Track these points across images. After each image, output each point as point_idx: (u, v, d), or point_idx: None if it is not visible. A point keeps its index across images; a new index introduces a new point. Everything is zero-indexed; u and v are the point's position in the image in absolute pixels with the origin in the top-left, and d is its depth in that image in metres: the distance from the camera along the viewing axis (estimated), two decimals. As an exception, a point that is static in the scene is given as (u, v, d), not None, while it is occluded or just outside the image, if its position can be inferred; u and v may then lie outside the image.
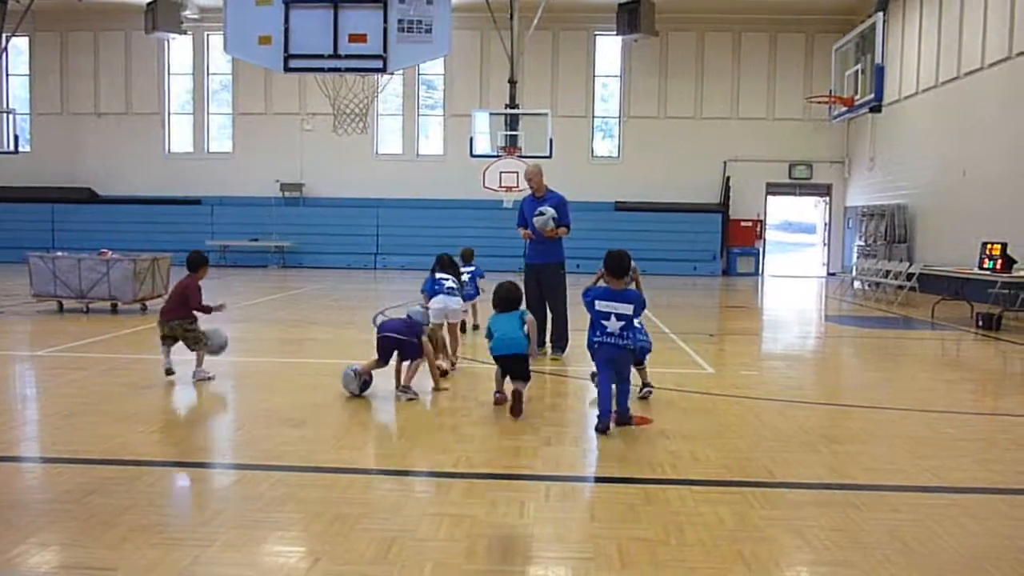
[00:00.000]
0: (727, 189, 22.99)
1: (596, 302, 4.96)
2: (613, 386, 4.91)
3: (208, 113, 24.43)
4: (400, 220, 23.06)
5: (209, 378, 6.51)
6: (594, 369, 5.31)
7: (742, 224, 23.06)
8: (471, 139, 19.47)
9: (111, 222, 23.16)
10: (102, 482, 3.79)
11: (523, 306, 5.89)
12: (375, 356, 5.98)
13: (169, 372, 6.41)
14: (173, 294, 6.54)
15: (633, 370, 5.22)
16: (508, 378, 5.53)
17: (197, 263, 6.59)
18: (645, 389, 5.88)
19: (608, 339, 4.90)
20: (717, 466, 4.27)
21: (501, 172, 18.81)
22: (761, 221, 23.29)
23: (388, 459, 4.40)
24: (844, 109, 11.52)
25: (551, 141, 18.91)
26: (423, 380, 6.21)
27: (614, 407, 4.89)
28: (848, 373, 7.79)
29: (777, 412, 5.66)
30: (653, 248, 22.51)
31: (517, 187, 19.01)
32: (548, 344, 7.49)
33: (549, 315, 7.47)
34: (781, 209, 24.56)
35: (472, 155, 19.33)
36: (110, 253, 11.14)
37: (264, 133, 23.68)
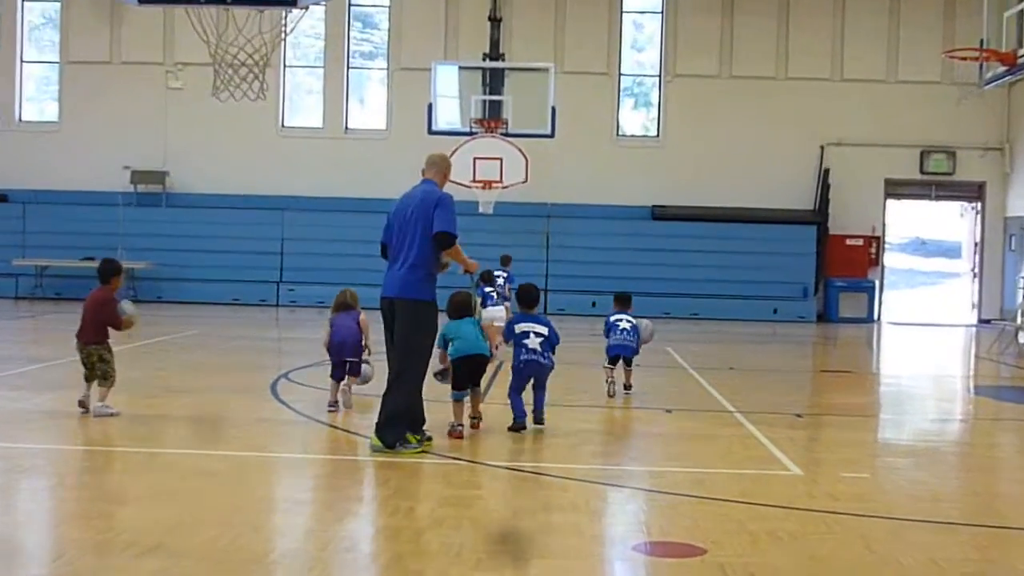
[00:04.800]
0: (825, 188, 23.28)
1: (515, 326, 8.73)
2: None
3: (21, 60, 24.53)
4: (318, 231, 23.11)
5: (112, 414, 8.40)
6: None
7: (848, 243, 23.36)
8: (430, 107, 19.54)
9: None
10: None
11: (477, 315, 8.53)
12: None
13: (83, 405, 8.42)
14: (87, 311, 8.42)
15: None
16: (465, 394, 8.19)
17: (109, 272, 8.51)
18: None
19: (532, 356, 8.52)
20: (804, 622, 4.30)
21: (476, 159, 18.90)
22: (878, 238, 23.63)
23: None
24: (1002, 69, 11.73)
25: (554, 112, 19.11)
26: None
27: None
28: (1009, 477, 7.85)
29: (897, 537, 5.69)
30: (709, 278, 22.66)
31: (500, 182, 19.37)
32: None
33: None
34: (908, 220, 24.86)
35: (431, 131, 19.46)
36: None
37: (108, 93, 23.81)
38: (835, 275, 23.16)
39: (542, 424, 8.46)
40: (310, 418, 8.86)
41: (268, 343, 16.71)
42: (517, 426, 8.38)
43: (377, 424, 7.48)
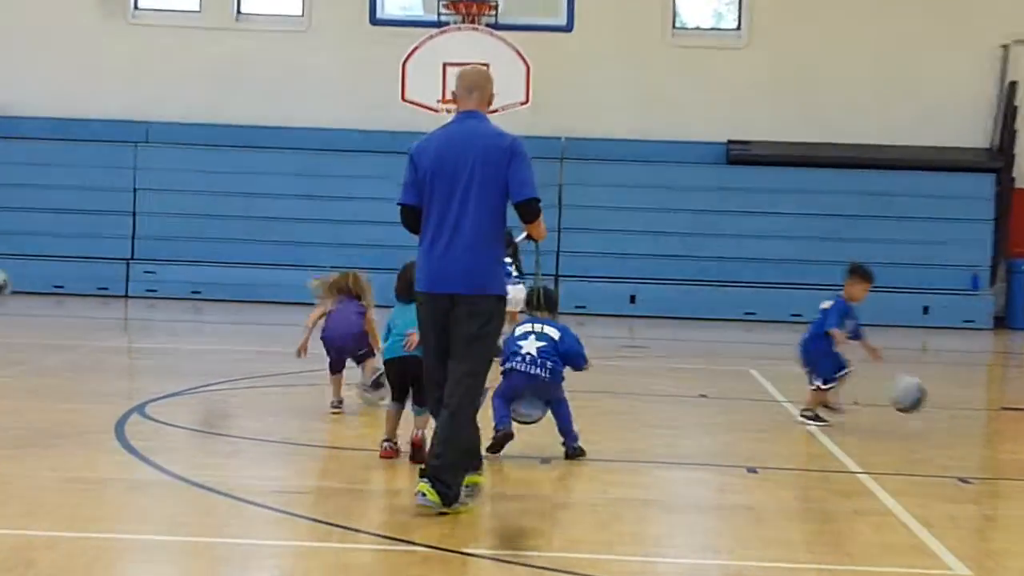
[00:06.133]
0: (1010, 115, 23.36)
1: (517, 328, 10.00)
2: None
3: None
4: (193, 178, 23.22)
5: None
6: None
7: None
8: (374, -19, 19.96)
9: None
10: None
11: None
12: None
13: None
14: None
15: None
16: (402, 405, 9.42)
17: None
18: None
19: (520, 363, 9.46)
20: None
21: (448, 65, 18.87)
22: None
23: None
24: None
25: (572, -11, 19.50)
26: None
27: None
28: None
29: None
30: (818, 258, 22.66)
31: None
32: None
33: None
34: None
35: (375, 20, 19.73)
36: None
37: None
38: (1024, 253, 23.32)
39: (577, 455, 9.64)
40: (178, 477, 8.79)
41: (112, 357, 16.73)
42: (499, 437, 9.55)
43: (433, 468, 7.80)
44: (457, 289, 7.92)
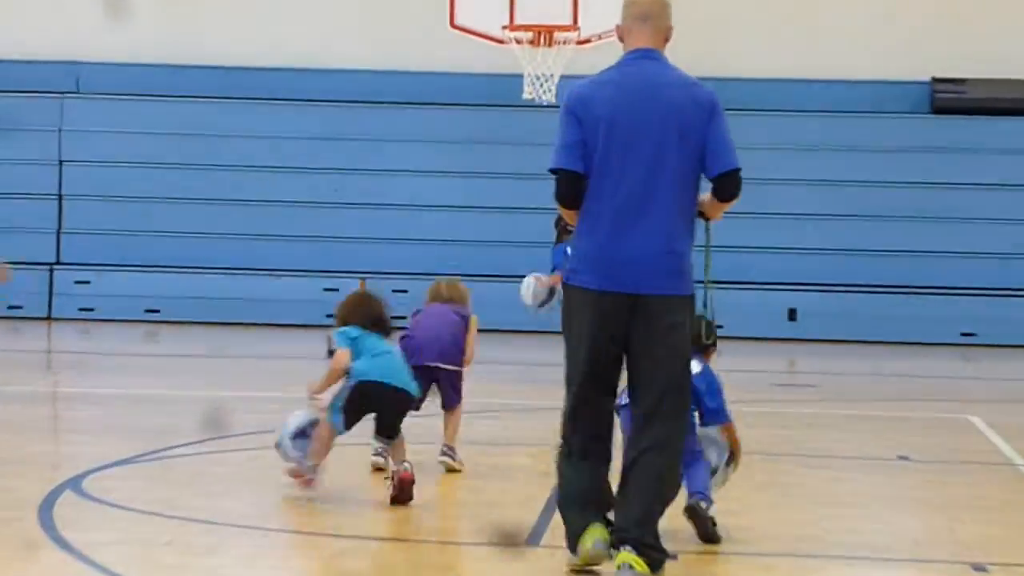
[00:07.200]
0: None
1: None
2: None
3: None
4: (143, 143, 23.60)
5: None
6: None
7: None
8: None
9: None
10: None
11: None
12: None
13: None
14: None
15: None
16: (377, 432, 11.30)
17: None
18: None
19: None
20: None
21: None
22: None
23: None
24: None
25: None
26: None
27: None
28: None
29: None
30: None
31: (574, 28, 19.61)
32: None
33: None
34: None
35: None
36: None
37: None
38: None
39: (712, 540, 9.56)
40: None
41: (32, 407, 16.96)
42: (696, 512, 9.64)
43: (641, 535, 8.24)
44: (643, 289, 8.20)
